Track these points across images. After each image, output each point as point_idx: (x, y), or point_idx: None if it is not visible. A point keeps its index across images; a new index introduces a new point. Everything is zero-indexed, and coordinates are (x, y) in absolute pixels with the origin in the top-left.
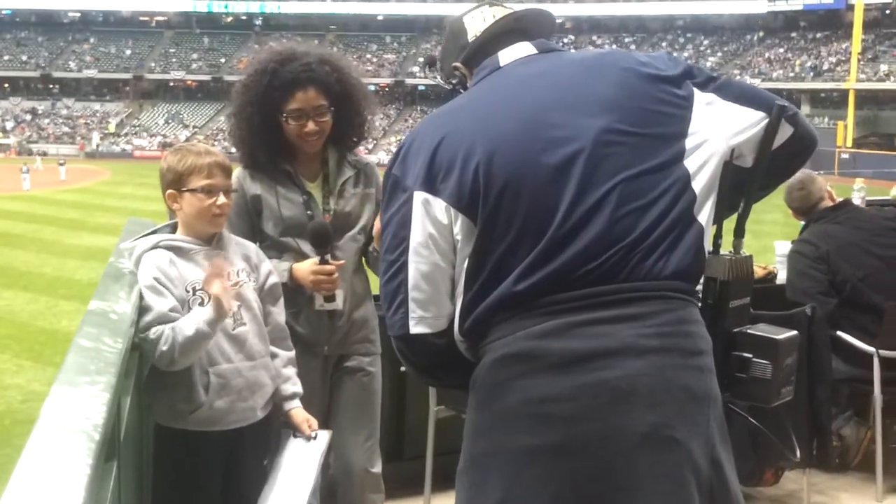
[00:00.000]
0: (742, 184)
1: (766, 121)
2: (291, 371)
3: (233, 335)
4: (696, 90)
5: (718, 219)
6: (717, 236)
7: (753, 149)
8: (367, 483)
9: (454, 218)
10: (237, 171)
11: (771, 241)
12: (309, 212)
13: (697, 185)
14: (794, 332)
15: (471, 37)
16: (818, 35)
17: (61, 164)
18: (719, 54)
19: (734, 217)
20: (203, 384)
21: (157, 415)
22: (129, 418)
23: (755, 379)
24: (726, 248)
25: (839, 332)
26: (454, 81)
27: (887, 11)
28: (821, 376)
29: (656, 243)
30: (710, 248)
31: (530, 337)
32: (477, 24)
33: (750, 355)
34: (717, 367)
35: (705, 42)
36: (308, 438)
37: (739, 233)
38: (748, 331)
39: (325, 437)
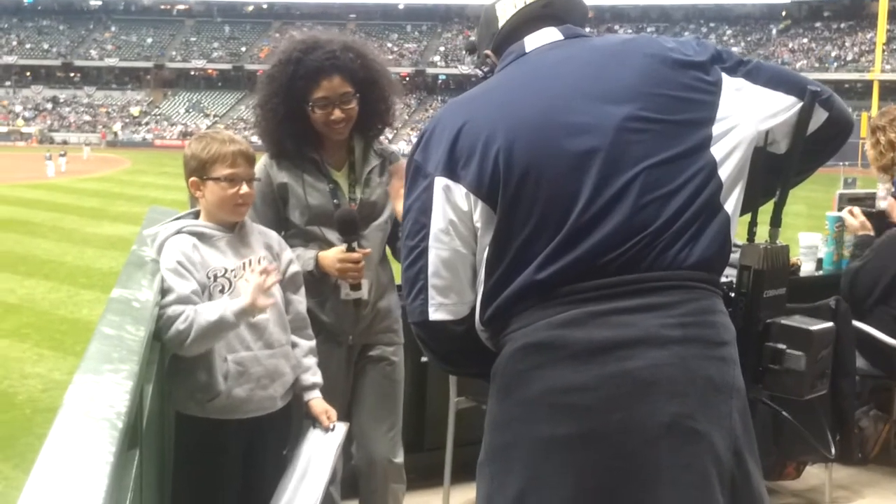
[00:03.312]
0: (777, 170)
1: (799, 106)
2: (312, 361)
3: (252, 323)
4: (724, 75)
5: (753, 206)
6: (753, 224)
7: (787, 134)
8: (390, 473)
9: (474, 205)
10: (263, 159)
11: (795, 234)
12: (335, 200)
13: (724, 172)
14: (830, 324)
15: (501, 24)
16: (842, 25)
17: (63, 156)
18: (742, 44)
19: (770, 205)
20: (222, 372)
21: (177, 402)
22: (151, 406)
23: (788, 370)
24: (762, 237)
25: (863, 326)
26: (485, 69)
27: None
28: (845, 370)
29: (680, 232)
30: (746, 237)
31: (552, 326)
32: (507, 10)
33: (784, 346)
34: (751, 357)
35: (728, 32)
36: (326, 430)
37: (776, 221)
38: (782, 321)
39: (342, 428)
